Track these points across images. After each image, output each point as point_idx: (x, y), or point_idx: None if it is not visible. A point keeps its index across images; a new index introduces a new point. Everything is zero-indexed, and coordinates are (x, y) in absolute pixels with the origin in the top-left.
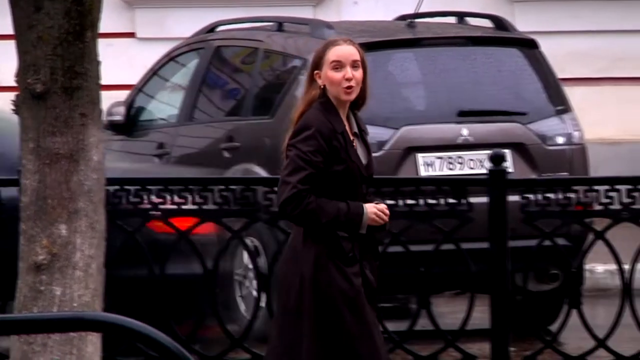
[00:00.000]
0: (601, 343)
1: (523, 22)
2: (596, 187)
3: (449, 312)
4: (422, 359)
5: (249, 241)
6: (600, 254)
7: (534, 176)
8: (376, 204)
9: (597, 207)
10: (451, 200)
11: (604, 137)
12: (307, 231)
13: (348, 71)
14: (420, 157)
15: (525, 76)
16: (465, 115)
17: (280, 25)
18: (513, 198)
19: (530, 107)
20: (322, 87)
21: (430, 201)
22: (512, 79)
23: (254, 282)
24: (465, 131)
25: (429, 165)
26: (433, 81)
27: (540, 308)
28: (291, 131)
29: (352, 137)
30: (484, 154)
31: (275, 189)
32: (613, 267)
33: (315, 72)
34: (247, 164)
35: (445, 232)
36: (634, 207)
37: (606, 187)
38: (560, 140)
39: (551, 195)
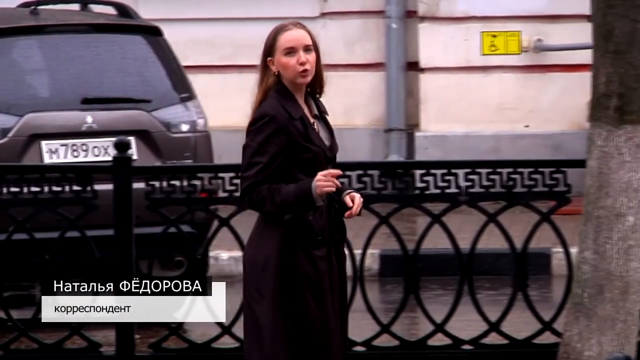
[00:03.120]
0: (227, 330)
1: (147, 10)
2: (221, 175)
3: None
4: (47, 347)
5: None
6: (225, 241)
7: (158, 163)
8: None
9: (222, 194)
10: (76, 188)
11: (229, 125)
12: (268, 215)
13: (301, 55)
14: (45, 145)
15: (149, 64)
16: (90, 102)
17: None
18: (138, 185)
19: (155, 94)
20: (276, 73)
21: (55, 188)
22: (137, 66)
23: None
24: (89, 118)
25: (54, 153)
26: (57, 68)
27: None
28: (249, 121)
29: (312, 120)
30: (108, 141)
31: None
32: (238, 254)
33: (268, 59)
34: None
35: (70, 220)
36: None
37: (231, 174)
38: (185, 127)
39: (176, 183)
